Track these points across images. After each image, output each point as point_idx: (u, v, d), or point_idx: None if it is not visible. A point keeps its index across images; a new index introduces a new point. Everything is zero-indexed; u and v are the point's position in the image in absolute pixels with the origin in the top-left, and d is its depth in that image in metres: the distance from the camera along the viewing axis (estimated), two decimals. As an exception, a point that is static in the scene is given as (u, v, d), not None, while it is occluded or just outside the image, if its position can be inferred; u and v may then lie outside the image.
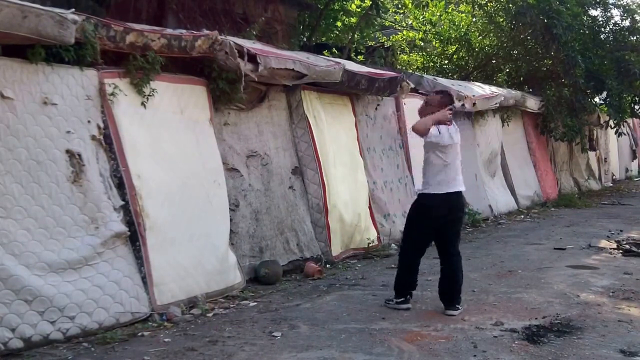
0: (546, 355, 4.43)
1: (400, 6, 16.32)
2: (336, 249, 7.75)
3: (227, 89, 6.47)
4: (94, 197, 5.18)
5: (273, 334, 4.96)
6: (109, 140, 5.43)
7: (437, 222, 5.56)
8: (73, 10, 5.04)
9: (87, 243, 5.03)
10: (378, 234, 8.52)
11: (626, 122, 15.81)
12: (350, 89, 8.36)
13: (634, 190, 16.90)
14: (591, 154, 16.59)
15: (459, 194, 5.67)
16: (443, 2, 15.04)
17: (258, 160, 7.12)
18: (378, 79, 8.66)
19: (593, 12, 14.78)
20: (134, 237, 5.39)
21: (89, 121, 5.31)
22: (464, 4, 15.37)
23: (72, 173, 5.08)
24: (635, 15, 14.55)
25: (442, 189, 5.56)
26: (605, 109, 14.91)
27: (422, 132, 5.64)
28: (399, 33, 16.18)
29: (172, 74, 6.12)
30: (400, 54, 15.42)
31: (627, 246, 8.57)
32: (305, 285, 6.70)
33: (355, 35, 13.60)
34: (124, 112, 5.56)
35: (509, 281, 6.72)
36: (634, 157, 21.17)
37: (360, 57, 13.26)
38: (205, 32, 6.26)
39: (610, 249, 8.54)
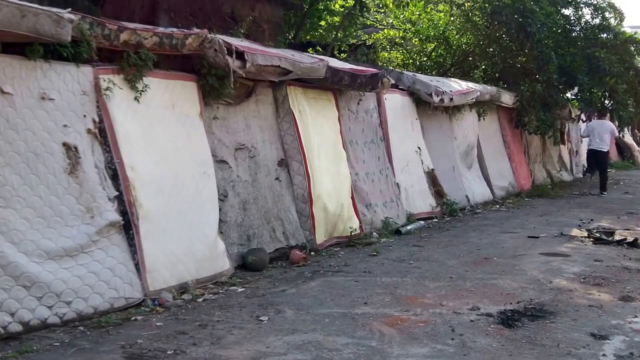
0: (520, 338, 4.57)
1: (381, 6, 16.42)
2: (320, 237, 7.88)
3: (216, 84, 6.56)
4: (90, 188, 5.28)
5: (260, 318, 5.07)
6: (103, 134, 5.54)
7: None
8: (69, 9, 5.13)
9: (83, 232, 5.13)
10: (360, 223, 8.64)
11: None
12: (333, 85, 8.50)
13: (603, 181, 17.27)
14: (563, 147, 16.82)
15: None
16: (422, 2, 15.18)
17: (246, 153, 7.23)
18: (360, 75, 8.81)
19: (565, 12, 14.99)
20: (128, 226, 5.50)
21: (84, 115, 5.42)
22: (443, 3, 15.55)
23: (69, 165, 5.20)
24: (605, 14, 14.82)
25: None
26: (577, 103, 15.21)
27: None
28: (380, 32, 16.34)
29: (163, 71, 6.23)
30: (381, 51, 15.52)
31: (597, 234, 8.79)
32: (291, 271, 6.80)
33: (339, 34, 13.74)
34: (118, 107, 5.67)
35: (485, 268, 6.87)
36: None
37: (343, 55, 13.39)
38: (196, 30, 6.35)
39: (581, 237, 8.72)
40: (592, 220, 10.23)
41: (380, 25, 16.95)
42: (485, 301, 5.53)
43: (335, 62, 8.89)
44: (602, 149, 13.76)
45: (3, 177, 4.76)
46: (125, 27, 5.68)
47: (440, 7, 15.71)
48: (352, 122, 9.22)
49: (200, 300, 5.66)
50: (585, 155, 14.69)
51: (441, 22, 15.27)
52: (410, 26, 15.54)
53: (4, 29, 4.55)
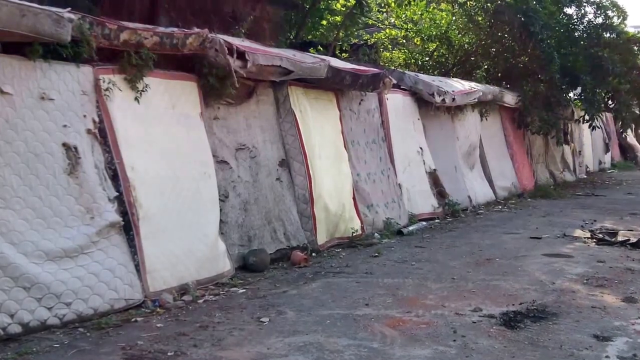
0: (523, 340, 4.58)
1: (383, 5, 16.49)
2: (321, 238, 7.86)
3: (216, 84, 6.56)
4: (90, 188, 5.27)
5: (261, 319, 5.08)
6: (103, 134, 5.53)
7: None
8: (69, 9, 5.12)
9: (83, 232, 5.12)
10: (362, 223, 8.63)
11: (600, 116, 16.11)
12: (335, 85, 8.50)
13: (607, 182, 17.12)
14: (566, 147, 16.82)
15: None
16: (424, 1, 15.23)
17: (247, 153, 7.23)
18: (362, 75, 8.80)
19: (568, 10, 15.03)
20: (128, 227, 5.49)
21: (84, 115, 5.41)
22: (445, 3, 15.58)
23: (69, 165, 5.19)
24: (608, 12, 14.83)
25: None
26: (580, 103, 15.20)
27: None
28: (382, 31, 16.40)
29: (164, 71, 6.22)
30: (383, 51, 15.58)
31: (600, 235, 8.76)
32: (292, 272, 6.80)
33: (340, 34, 13.76)
34: (118, 107, 5.66)
35: (487, 269, 6.86)
36: (607, 150, 21.62)
37: (345, 55, 13.43)
38: (196, 30, 6.34)
39: (584, 238, 8.70)
40: (595, 220, 10.21)
41: (382, 24, 16.98)
42: (487, 302, 5.53)
43: (336, 62, 8.89)
44: None
45: (3, 177, 4.75)
46: (126, 27, 5.67)
47: (443, 6, 15.73)
48: (353, 122, 9.21)
49: (200, 301, 5.66)
50: None
51: (443, 21, 15.30)
52: (412, 26, 15.60)
53: (4, 29, 4.55)
